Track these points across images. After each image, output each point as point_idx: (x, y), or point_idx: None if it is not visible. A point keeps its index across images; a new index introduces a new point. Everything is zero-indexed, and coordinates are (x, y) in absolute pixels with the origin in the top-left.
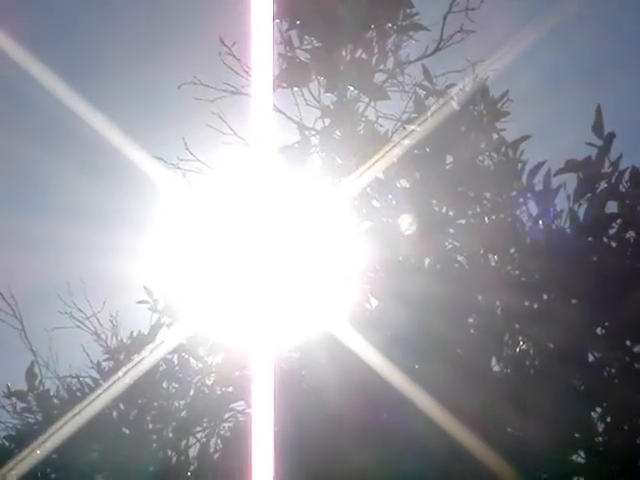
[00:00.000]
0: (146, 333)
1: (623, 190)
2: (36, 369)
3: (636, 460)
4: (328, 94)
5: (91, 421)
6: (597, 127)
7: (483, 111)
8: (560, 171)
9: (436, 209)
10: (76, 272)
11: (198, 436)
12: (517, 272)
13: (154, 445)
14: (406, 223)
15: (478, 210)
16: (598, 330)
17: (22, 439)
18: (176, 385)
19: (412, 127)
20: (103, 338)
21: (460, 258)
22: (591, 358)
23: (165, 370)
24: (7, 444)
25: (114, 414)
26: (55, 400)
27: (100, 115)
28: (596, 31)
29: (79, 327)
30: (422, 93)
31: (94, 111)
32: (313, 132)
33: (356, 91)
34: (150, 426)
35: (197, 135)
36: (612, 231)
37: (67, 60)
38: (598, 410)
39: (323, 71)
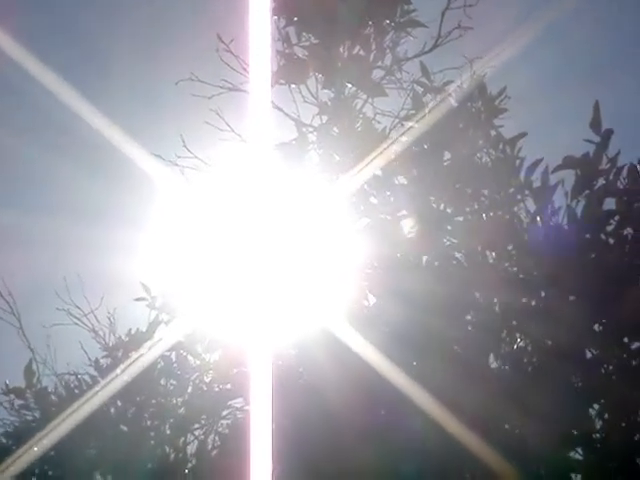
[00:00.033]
0: (144, 330)
1: (621, 187)
2: (34, 366)
3: (634, 457)
4: (326, 91)
5: (89, 418)
6: (595, 124)
7: (481, 108)
8: (558, 168)
9: (434, 206)
10: (73, 269)
11: (196, 433)
12: (515, 269)
13: (152, 442)
14: (404, 220)
15: (476, 207)
16: (596, 327)
17: (20, 436)
18: (174, 382)
19: (410, 124)
20: (101, 335)
21: (458, 255)
22: (589, 355)
23: (163, 367)
24: (5, 441)
25: (112, 411)
26: (53, 397)
27: (97, 112)
28: (594, 28)
29: (77, 324)
30: (420, 90)
31: (91, 108)
32: (311, 129)
33: (354, 88)
34: (148, 423)
35: (195, 132)
36: (610, 228)
37: (64, 57)
38: (596, 407)
39: (321, 68)
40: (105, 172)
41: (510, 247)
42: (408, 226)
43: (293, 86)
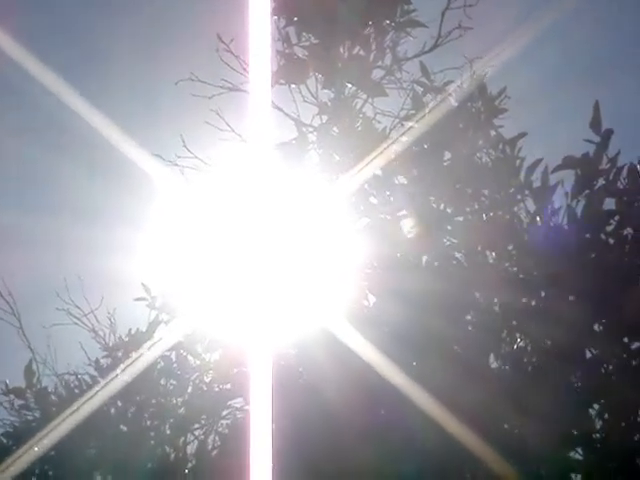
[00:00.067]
0: (144, 330)
1: (621, 187)
2: (34, 366)
3: (634, 457)
4: (326, 91)
5: (89, 418)
6: (595, 123)
7: (481, 108)
8: (558, 168)
9: (434, 206)
10: (74, 269)
11: (196, 433)
12: (515, 269)
13: (152, 442)
14: (404, 220)
15: (476, 207)
16: (596, 327)
17: (20, 436)
18: (174, 382)
19: (410, 124)
20: (101, 335)
21: (458, 255)
22: (589, 355)
23: (163, 367)
24: (5, 441)
25: (112, 411)
26: (53, 397)
27: (97, 112)
28: (594, 28)
29: (77, 324)
30: (420, 90)
31: (91, 108)
32: (311, 129)
33: (354, 88)
34: (148, 423)
35: (195, 132)
36: (610, 228)
37: (64, 57)
38: (596, 407)
39: (321, 68)
40: (105, 172)
41: (510, 247)
42: (408, 226)
43: (293, 86)
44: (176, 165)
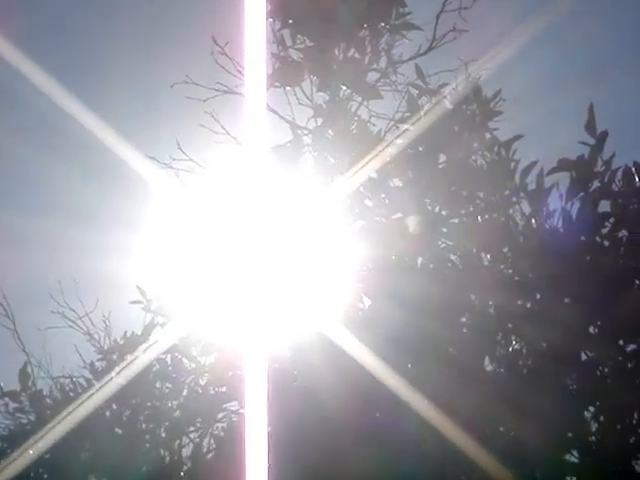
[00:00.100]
0: (139, 333)
1: (616, 189)
2: (29, 369)
3: (629, 460)
4: (321, 93)
5: (84, 421)
6: (590, 126)
7: (476, 110)
8: (553, 170)
9: (429, 208)
10: (68, 271)
11: (191, 436)
12: (510, 271)
13: (147, 445)
14: (399, 223)
15: (471, 209)
16: (591, 329)
17: (15, 439)
18: (169, 385)
19: (405, 126)
20: (96, 338)
21: (453, 257)
22: (584, 358)
23: (158, 370)
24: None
25: (107, 414)
26: (48, 400)
27: (92, 114)
28: (589, 29)
29: (72, 327)
30: (415, 92)
31: (86, 110)
32: (306, 131)
33: (349, 90)
34: (143, 426)
35: (190, 134)
36: (605, 230)
37: (59, 58)
38: (591, 410)
39: (316, 70)
40: (100, 174)
41: (505, 249)
42: (403, 228)
43: (288, 89)
44: (171, 167)
